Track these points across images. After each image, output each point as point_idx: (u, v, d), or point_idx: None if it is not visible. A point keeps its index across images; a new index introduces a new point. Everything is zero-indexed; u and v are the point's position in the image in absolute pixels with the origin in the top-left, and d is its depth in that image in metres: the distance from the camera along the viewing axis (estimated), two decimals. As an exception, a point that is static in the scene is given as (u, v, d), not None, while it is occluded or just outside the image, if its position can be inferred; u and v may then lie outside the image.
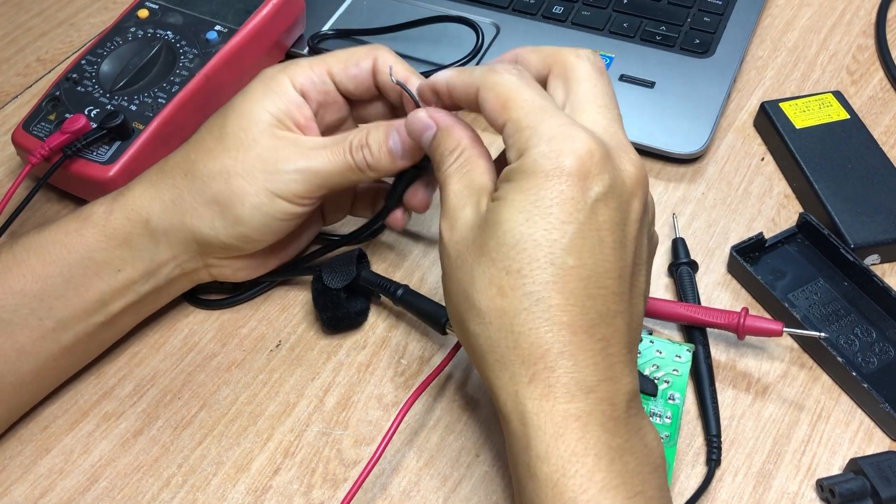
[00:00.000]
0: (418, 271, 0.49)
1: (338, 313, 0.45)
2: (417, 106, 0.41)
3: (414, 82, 0.41)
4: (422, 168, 0.43)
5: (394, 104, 0.45)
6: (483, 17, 0.61)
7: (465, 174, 0.36)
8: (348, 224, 0.51)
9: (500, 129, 0.35)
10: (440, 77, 0.38)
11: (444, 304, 0.44)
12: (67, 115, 0.51)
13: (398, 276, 0.49)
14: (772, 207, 0.51)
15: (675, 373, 0.42)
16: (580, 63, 0.36)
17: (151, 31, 0.54)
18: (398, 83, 0.41)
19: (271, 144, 0.41)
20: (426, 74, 0.56)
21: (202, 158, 0.42)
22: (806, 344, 0.44)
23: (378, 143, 0.41)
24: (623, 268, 0.33)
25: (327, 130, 0.45)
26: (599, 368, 0.31)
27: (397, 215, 0.45)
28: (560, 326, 0.31)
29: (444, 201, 0.36)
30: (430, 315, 0.44)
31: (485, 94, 0.35)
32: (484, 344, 0.33)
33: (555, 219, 0.32)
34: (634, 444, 0.32)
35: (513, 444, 0.33)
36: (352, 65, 0.43)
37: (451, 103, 0.38)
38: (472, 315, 0.33)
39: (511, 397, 0.32)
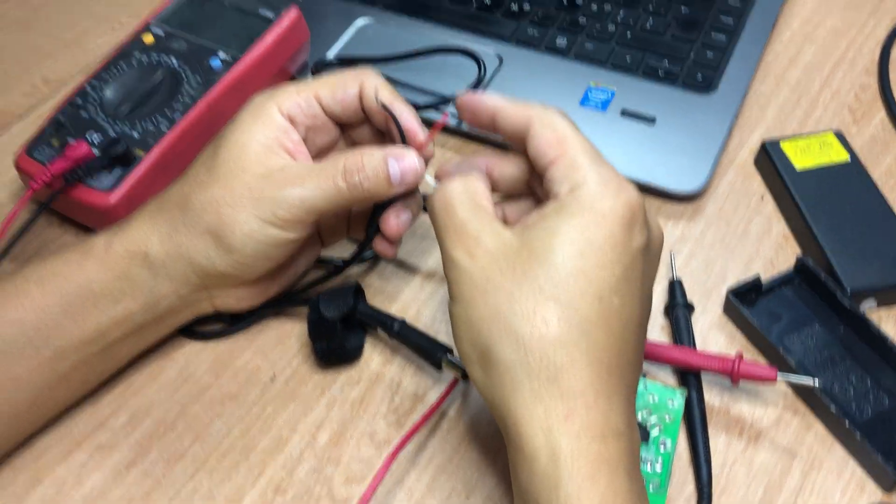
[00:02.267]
0: (414, 304, 0.49)
1: (332, 345, 0.45)
2: (400, 131, 0.43)
3: (398, 107, 0.43)
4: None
5: (380, 128, 0.45)
6: (486, 48, 0.61)
7: (473, 205, 0.36)
8: (346, 247, 0.51)
9: (546, 163, 0.36)
10: (486, 100, 0.39)
11: (439, 339, 0.45)
12: (70, 141, 0.51)
13: (394, 309, 0.49)
14: (770, 248, 0.51)
15: (666, 418, 0.42)
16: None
17: (156, 57, 0.55)
18: (384, 107, 0.42)
19: (260, 172, 0.41)
20: (431, 105, 0.56)
21: (195, 190, 0.42)
22: (800, 390, 0.44)
23: (375, 169, 0.41)
24: (645, 319, 0.35)
25: (318, 153, 0.46)
26: (626, 415, 0.32)
27: (385, 245, 0.45)
28: (600, 365, 0.32)
29: (453, 229, 0.36)
30: (426, 350, 0.45)
31: (540, 129, 0.37)
32: (520, 373, 0.32)
33: (606, 258, 0.33)
34: (643, 494, 0.33)
35: (533, 481, 0.32)
36: (339, 89, 0.43)
37: (480, 122, 0.40)
38: (506, 341, 0.33)
39: (543, 432, 0.32)
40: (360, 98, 0.44)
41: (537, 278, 0.33)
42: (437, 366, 0.44)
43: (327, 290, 0.46)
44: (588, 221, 0.33)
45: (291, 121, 0.43)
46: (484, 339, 0.34)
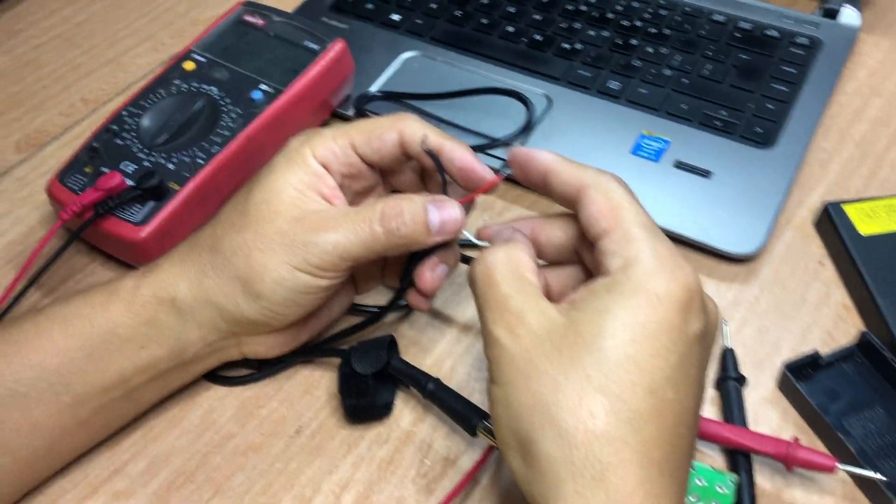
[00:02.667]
0: (449, 359, 0.47)
1: (363, 402, 0.43)
2: (443, 179, 0.41)
3: (449, 147, 0.40)
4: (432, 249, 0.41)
5: (426, 170, 0.43)
6: (535, 88, 0.59)
7: (516, 278, 0.34)
8: (381, 293, 0.49)
9: (598, 232, 0.34)
10: (539, 157, 0.37)
11: (474, 400, 0.42)
12: (104, 170, 0.50)
13: (428, 363, 0.47)
14: (829, 318, 0.48)
15: (716, 506, 0.39)
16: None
17: (196, 85, 0.53)
18: (429, 153, 0.41)
19: (292, 217, 0.39)
20: (476, 148, 0.54)
21: (226, 233, 0.40)
22: (860, 481, 0.41)
23: (414, 215, 0.39)
24: (699, 411, 0.32)
25: (356, 199, 0.44)
26: None
27: (419, 298, 0.43)
28: (651, 464, 0.30)
29: (495, 304, 0.34)
30: (460, 414, 0.42)
31: (594, 195, 0.34)
32: (563, 471, 0.30)
33: (661, 346, 0.30)
34: None
35: None
36: (375, 137, 0.41)
37: (531, 181, 0.38)
38: (549, 435, 0.30)
39: None
40: (401, 144, 0.42)
41: (585, 366, 0.30)
42: (472, 432, 0.42)
43: (360, 343, 0.44)
44: (641, 303, 0.31)
45: (326, 167, 0.41)
46: (525, 428, 0.31)
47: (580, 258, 0.38)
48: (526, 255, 0.35)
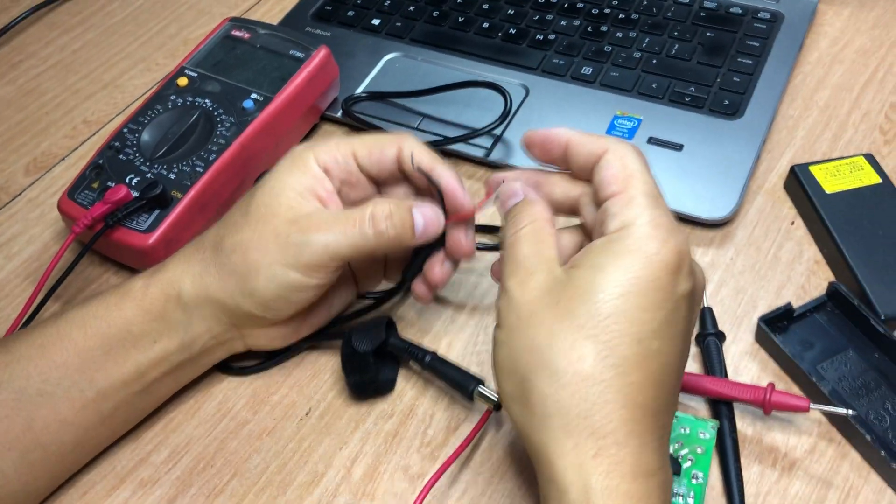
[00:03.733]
0: (446, 337, 0.50)
1: (365, 377, 0.46)
2: (440, 193, 0.43)
3: (439, 170, 0.43)
4: (440, 245, 0.45)
5: (420, 189, 0.46)
6: (512, 79, 0.62)
7: (537, 241, 0.37)
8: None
9: (607, 195, 0.36)
10: (558, 132, 0.40)
11: (471, 371, 0.45)
12: (110, 184, 0.53)
13: (426, 342, 0.49)
14: (801, 274, 0.51)
15: (698, 451, 0.42)
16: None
17: (190, 99, 0.56)
18: (419, 170, 0.43)
19: (288, 218, 0.42)
20: (458, 138, 0.57)
21: (229, 232, 0.43)
22: (834, 419, 0.44)
23: (401, 219, 0.42)
24: (683, 363, 0.35)
25: (351, 208, 0.46)
26: (658, 454, 0.33)
27: (422, 290, 0.46)
28: (634, 405, 0.33)
29: (513, 260, 0.37)
30: (458, 382, 0.45)
31: (612, 159, 0.37)
32: (551, 407, 0.33)
33: (650, 301, 0.33)
34: None
35: None
36: (376, 150, 0.44)
37: (550, 156, 0.40)
38: (543, 375, 0.33)
39: (573, 468, 0.32)
40: (398, 160, 0.44)
41: (578, 316, 0.33)
42: (470, 397, 0.45)
43: (359, 323, 0.47)
44: (634, 262, 0.34)
45: (326, 171, 0.44)
46: (521, 368, 0.34)
47: (575, 213, 0.41)
48: (547, 220, 0.38)
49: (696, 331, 0.48)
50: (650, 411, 0.33)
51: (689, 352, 0.37)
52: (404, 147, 0.44)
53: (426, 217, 0.42)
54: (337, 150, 0.44)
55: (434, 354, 0.46)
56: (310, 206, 0.43)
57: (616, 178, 0.36)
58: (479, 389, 0.44)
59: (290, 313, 0.45)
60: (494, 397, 0.44)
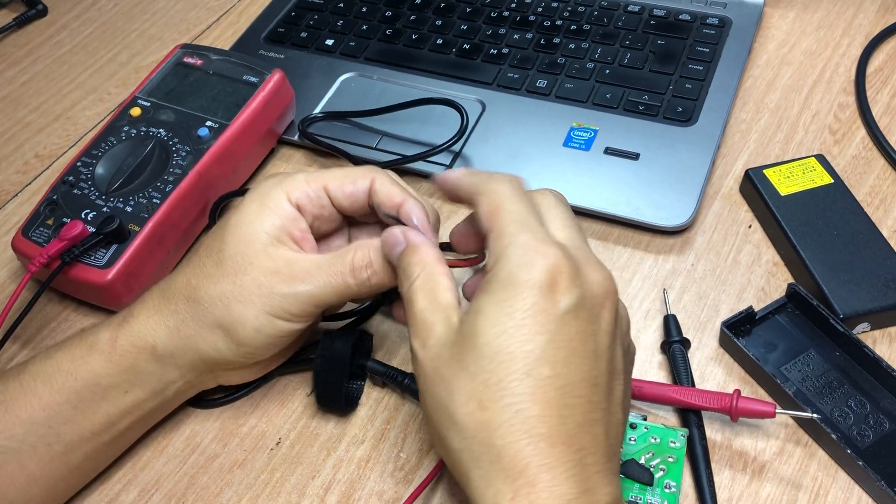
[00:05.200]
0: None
1: (341, 376, 0.45)
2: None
3: (411, 204, 0.42)
4: None
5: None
6: (468, 94, 0.62)
7: (429, 290, 0.37)
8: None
9: (485, 235, 0.36)
10: (450, 176, 0.39)
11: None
12: (65, 220, 0.52)
13: (396, 362, 0.49)
14: (761, 276, 0.52)
15: (670, 460, 0.42)
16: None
17: (144, 129, 0.56)
18: (388, 217, 0.43)
19: (267, 267, 0.42)
20: (417, 156, 0.57)
21: (203, 284, 0.42)
22: (801, 420, 0.45)
23: (382, 266, 0.42)
24: (597, 377, 0.34)
25: (322, 238, 0.46)
26: (576, 481, 0.32)
27: (401, 314, 0.45)
28: (539, 438, 0.32)
29: (412, 318, 0.36)
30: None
31: (479, 199, 0.37)
32: (467, 460, 0.33)
33: (528, 330, 0.33)
34: None
35: None
36: (348, 182, 0.44)
37: (457, 200, 0.40)
38: (453, 431, 0.33)
39: None
40: (369, 194, 0.44)
41: (468, 365, 0.33)
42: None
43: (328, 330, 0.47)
44: (507, 296, 0.33)
45: (299, 208, 0.43)
46: (435, 427, 0.35)
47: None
48: (437, 261, 0.38)
49: (661, 338, 0.49)
50: (558, 440, 0.32)
51: (608, 360, 0.34)
52: (376, 181, 0.43)
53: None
54: (308, 186, 0.44)
55: (412, 376, 0.46)
56: (286, 251, 0.42)
57: (486, 216, 0.36)
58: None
59: (273, 353, 0.45)
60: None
